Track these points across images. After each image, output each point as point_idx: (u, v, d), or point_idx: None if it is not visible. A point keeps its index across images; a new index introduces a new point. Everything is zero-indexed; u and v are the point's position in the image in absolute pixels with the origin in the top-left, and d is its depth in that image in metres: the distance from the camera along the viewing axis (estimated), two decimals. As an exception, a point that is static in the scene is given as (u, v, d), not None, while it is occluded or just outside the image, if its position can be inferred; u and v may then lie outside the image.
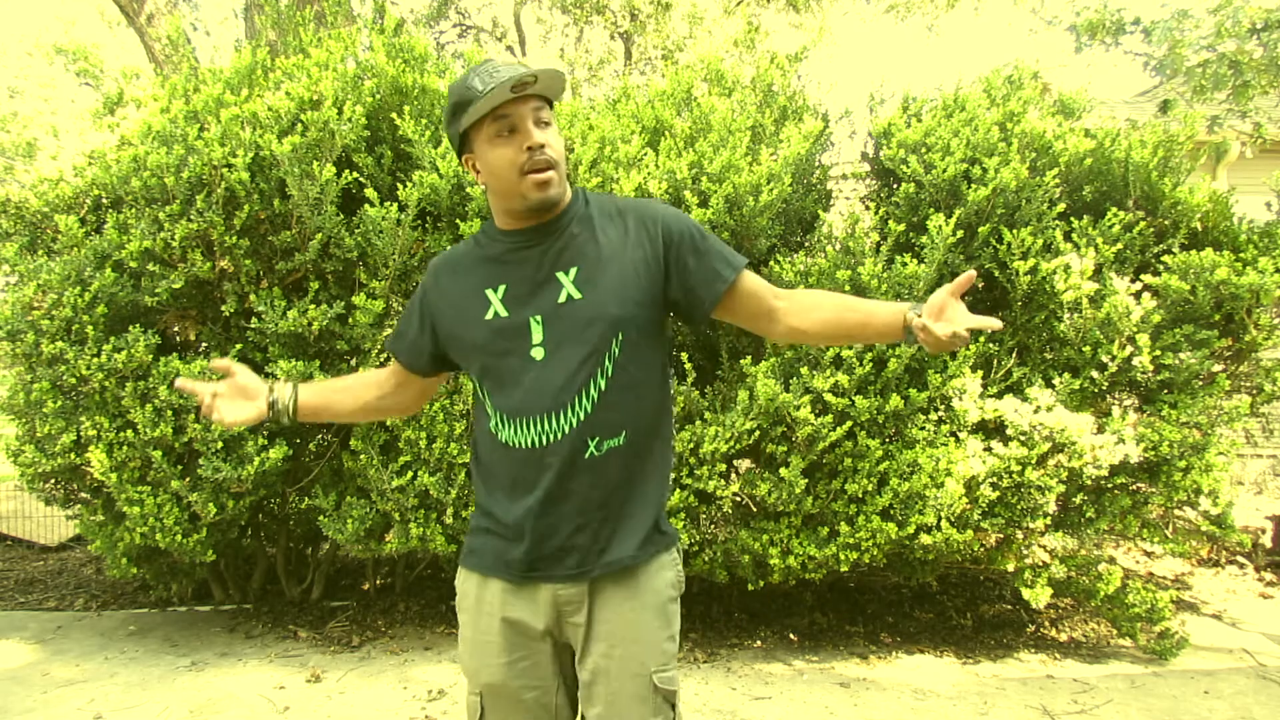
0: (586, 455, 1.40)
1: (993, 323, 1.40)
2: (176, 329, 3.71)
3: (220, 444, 3.46)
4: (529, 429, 1.41)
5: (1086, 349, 3.56)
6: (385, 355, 3.58)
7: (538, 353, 1.41)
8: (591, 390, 1.40)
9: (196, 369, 3.40)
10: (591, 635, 1.44)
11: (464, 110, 1.38)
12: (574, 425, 1.39)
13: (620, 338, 1.41)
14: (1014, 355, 3.68)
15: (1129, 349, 3.49)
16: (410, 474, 3.48)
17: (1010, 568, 3.65)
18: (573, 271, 1.42)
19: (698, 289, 1.46)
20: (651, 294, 1.45)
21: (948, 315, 1.40)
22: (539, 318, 1.41)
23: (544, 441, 1.40)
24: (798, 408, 3.30)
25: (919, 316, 1.40)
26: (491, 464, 1.48)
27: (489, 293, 1.45)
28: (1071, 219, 3.67)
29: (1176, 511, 4.18)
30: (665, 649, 1.47)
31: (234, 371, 1.58)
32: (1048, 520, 3.54)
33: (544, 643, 1.47)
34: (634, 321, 1.43)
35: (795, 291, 1.54)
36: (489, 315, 1.44)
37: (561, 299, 1.41)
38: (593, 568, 1.43)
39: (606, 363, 1.40)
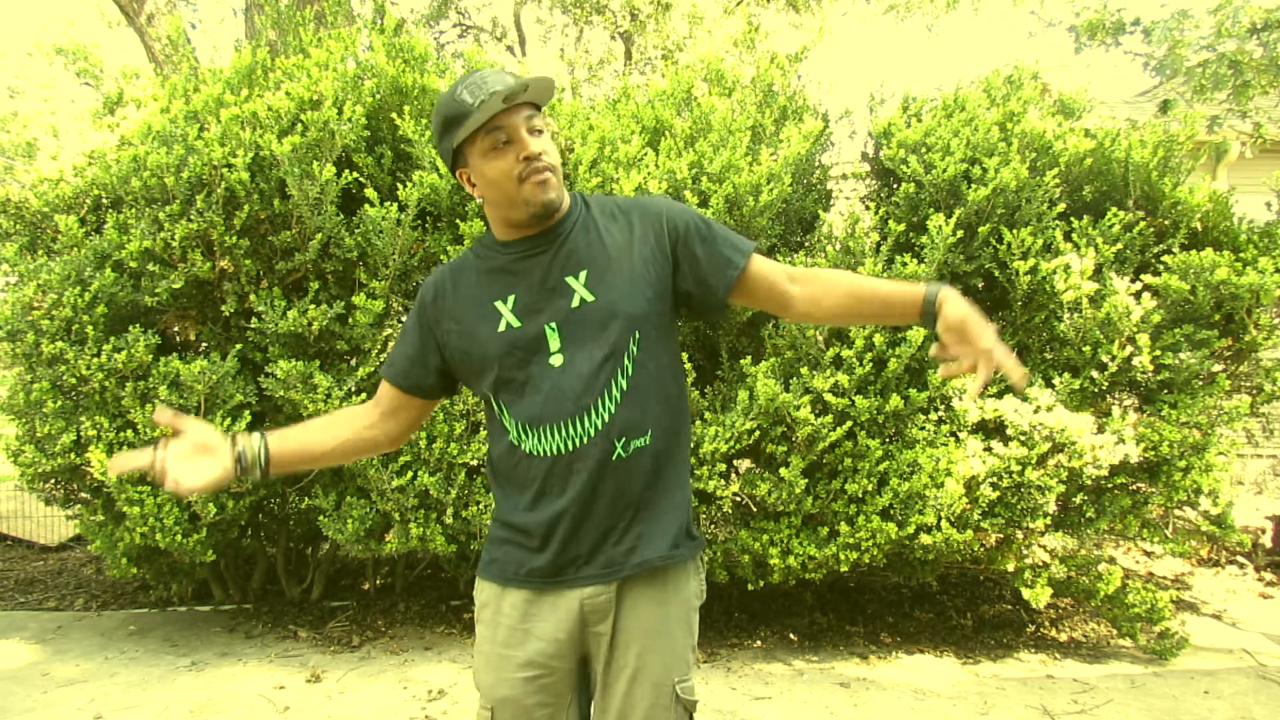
0: (614, 457, 1.37)
1: (1017, 372, 1.39)
2: (176, 329, 3.71)
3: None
4: (553, 436, 1.38)
5: (1086, 349, 3.56)
6: (383, 359, 3.59)
7: (556, 360, 1.39)
8: (614, 391, 1.38)
9: (197, 369, 3.41)
10: (616, 643, 1.41)
11: (456, 125, 1.37)
12: (599, 428, 1.37)
13: (638, 335, 1.40)
14: (1014, 355, 3.67)
15: (1129, 349, 3.49)
16: (410, 474, 3.47)
17: (1010, 568, 3.65)
18: (583, 275, 1.41)
19: (709, 278, 1.46)
20: (661, 289, 1.44)
21: (972, 336, 1.37)
22: (554, 325, 1.39)
23: (569, 447, 1.37)
24: (798, 408, 3.30)
25: (935, 308, 1.40)
26: (514, 475, 1.44)
27: (499, 305, 1.43)
28: (1071, 219, 3.67)
29: (1176, 511, 4.18)
30: (687, 659, 1.45)
31: (182, 427, 1.37)
32: (1048, 520, 3.54)
33: (563, 658, 1.43)
34: (649, 319, 1.42)
35: (809, 273, 1.50)
36: (501, 328, 1.42)
37: (575, 304, 1.40)
38: (621, 567, 1.40)
39: (626, 362, 1.39)
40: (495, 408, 1.46)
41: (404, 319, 3.65)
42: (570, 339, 1.39)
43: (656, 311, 1.43)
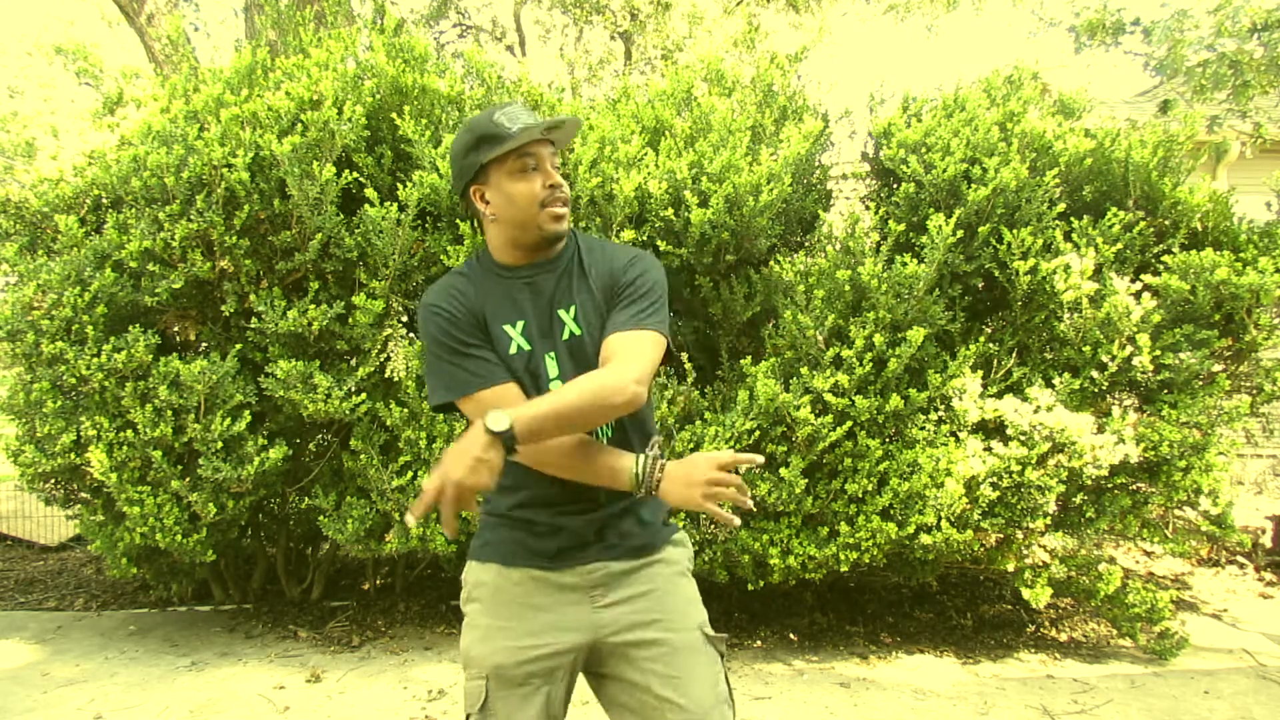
0: None
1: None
2: (176, 329, 3.71)
3: (220, 444, 3.46)
4: None
5: (1086, 349, 3.56)
6: (383, 358, 3.59)
7: (555, 385, 1.50)
8: None
9: (197, 369, 3.41)
10: (632, 607, 1.51)
11: (489, 144, 1.47)
12: None
13: None
14: (1014, 355, 3.68)
15: (1129, 349, 3.49)
16: (410, 474, 3.47)
17: (1010, 568, 3.65)
18: (572, 309, 1.53)
19: (608, 325, 1.52)
20: None
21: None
22: (553, 354, 1.52)
23: None
24: (798, 408, 3.30)
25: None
26: (518, 480, 1.50)
27: (508, 328, 1.52)
28: (1071, 219, 3.67)
29: (1176, 511, 4.18)
30: (700, 607, 1.58)
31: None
32: (1048, 520, 3.54)
33: (565, 634, 1.50)
34: None
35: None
36: (513, 350, 1.52)
37: (566, 336, 1.52)
38: (616, 549, 1.53)
39: None
40: None
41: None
42: (566, 368, 1.51)
43: None
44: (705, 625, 1.55)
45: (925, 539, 3.38)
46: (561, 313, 1.52)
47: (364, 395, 3.49)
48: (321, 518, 3.62)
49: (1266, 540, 5.35)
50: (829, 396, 3.35)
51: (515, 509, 1.53)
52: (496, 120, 1.47)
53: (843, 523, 3.40)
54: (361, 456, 3.56)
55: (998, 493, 3.48)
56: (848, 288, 3.51)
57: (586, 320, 1.52)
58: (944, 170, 3.55)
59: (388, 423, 3.55)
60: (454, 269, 1.61)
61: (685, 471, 1.41)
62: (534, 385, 1.51)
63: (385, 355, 3.56)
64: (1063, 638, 4.00)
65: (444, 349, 1.50)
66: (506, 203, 1.49)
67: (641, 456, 1.44)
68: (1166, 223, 3.80)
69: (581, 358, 1.50)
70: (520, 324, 1.52)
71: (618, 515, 1.53)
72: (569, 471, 1.47)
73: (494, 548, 1.55)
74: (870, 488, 3.40)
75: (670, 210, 3.53)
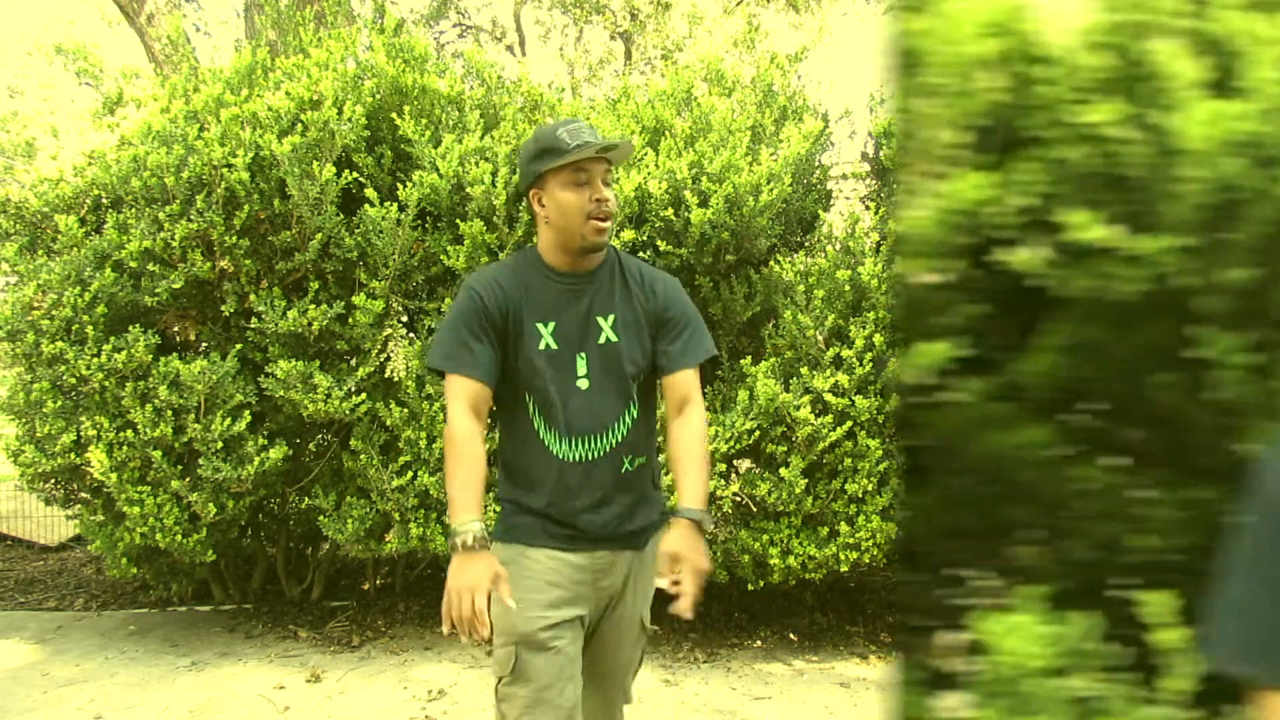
0: (623, 470, 1.75)
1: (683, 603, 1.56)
2: (176, 329, 3.71)
3: (220, 444, 3.46)
4: (579, 446, 1.71)
5: (1086, 349, 3.55)
6: (383, 358, 3.59)
7: (583, 383, 1.72)
8: (626, 419, 1.74)
9: (197, 369, 3.40)
10: (610, 592, 1.77)
11: (550, 155, 1.67)
12: (612, 446, 1.72)
13: (641, 379, 1.77)
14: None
15: (1129, 349, 3.49)
16: (410, 474, 3.48)
17: (1010, 568, 3.65)
18: (610, 318, 1.74)
19: (659, 361, 1.79)
20: (650, 352, 1.79)
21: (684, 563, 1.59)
22: (584, 355, 1.72)
23: (591, 457, 1.72)
24: (798, 408, 3.31)
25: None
26: (535, 468, 1.74)
27: (540, 326, 1.72)
28: (1071, 219, 3.66)
29: (1176, 511, 4.16)
30: (650, 599, 1.86)
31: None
32: (1048, 520, 3.54)
33: (576, 606, 1.72)
34: (645, 371, 1.78)
35: (684, 421, 1.75)
36: (541, 346, 1.71)
37: (601, 340, 1.73)
38: (624, 544, 1.77)
39: (634, 396, 1.76)
40: (528, 411, 1.74)
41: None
42: (595, 369, 1.72)
43: (649, 366, 1.79)
44: (646, 619, 1.86)
45: (925, 539, 3.38)
46: (600, 319, 1.74)
47: (364, 395, 3.49)
48: (321, 518, 3.62)
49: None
50: (829, 396, 3.35)
51: (540, 506, 1.73)
52: (559, 135, 1.67)
53: (843, 523, 3.40)
54: (361, 456, 3.56)
55: (998, 493, 3.48)
56: (848, 288, 3.51)
57: (625, 329, 1.74)
58: (944, 170, 3.55)
59: (388, 423, 3.55)
60: (503, 260, 1.82)
61: (468, 577, 1.51)
62: (561, 380, 1.71)
63: (385, 355, 3.56)
64: (1063, 638, 3.99)
65: (462, 328, 1.69)
66: (557, 209, 1.69)
67: (466, 535, 1.54)
68: (1166, 223, 3.80)
69: (614, 361, 1.72)
70: (552, 324, 1.72)
71: (624, 514, 1.76)
72: (447, 474, 1.65)
73: (519, 530, 1.75)
74: (870, 488, 3.40)
75: (670, 210, 3.53)
